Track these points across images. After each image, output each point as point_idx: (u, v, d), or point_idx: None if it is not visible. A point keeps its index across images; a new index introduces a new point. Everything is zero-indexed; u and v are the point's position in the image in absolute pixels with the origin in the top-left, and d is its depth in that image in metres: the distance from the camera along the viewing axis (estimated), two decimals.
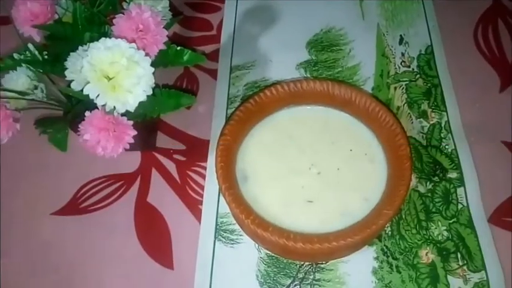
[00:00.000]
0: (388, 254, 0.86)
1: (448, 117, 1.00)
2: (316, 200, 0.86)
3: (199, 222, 0.91)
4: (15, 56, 0.85)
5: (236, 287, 0.86)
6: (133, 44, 0.76)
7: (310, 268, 0.86)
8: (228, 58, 1.11)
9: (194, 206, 0.93)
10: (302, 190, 0.87)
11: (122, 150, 0.78)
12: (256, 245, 0.88)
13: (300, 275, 0.86)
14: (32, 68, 0.84)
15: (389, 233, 0.88)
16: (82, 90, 0.75)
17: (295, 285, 0.85)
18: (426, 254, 0.86)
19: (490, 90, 1.05)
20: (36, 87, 0.85)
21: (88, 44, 0.76)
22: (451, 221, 0.89)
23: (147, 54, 0.77)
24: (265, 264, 0.86)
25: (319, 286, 0.85)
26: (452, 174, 0.94)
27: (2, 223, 0.92)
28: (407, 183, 0.81)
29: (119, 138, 0.77)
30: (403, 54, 1.10)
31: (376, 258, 0.86)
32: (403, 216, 0.90)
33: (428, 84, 1.05)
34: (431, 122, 1.00)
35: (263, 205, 0.84)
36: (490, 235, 0.88)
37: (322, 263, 0.86)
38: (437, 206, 0.91)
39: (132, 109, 0.77)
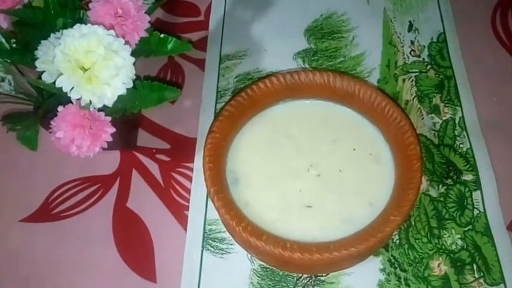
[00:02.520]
0: (396, 266, 0.87)
1: (462, 112, 1.01)
2: (315, 205, 0.86)
3: (185, 230, 0.91)
4: None
5: None
6: (112, 31, 0.77)
7: (308, 281, 0.86)
8: (217, 47, 1.11)
9: (179, 212, 0.93)
10: (300, 194, 0.87)
11: (98, 149, 0.79)
12: (249, 255, 0.88)
13: None
14: None
15: (397, 241, 0.89)
16: (54, 83, 0.75)
17: None
18: (438, 266, 0.87)
19: (509, 82, 1.05)
20: (3, 79, 0.86)
21: (61, 31, 0.76)
22: (466, 229, 0.90)
23: (126, 43, 0.78)
24: (258, 277, 0.87)
25: None
26: (468, 177, 0.94)
27: None
28: (417, 187, 0.81)
29: (95, 136, 0.77)
30: (412, 43, 1.10)
31: (383, 270, 0.87)
32: (413, 223, 0.90)
33: (441, 76, 1.06)
34: (444, 118, 1.00)
35: (256, 211, 0.85)
36: (509, 244, 0.88)
37: (322, 276, 0.87)
38: (451, 211, 0.91)
39: (110, 104, 0.77)
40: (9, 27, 0.85)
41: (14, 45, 0.85)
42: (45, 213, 0.94)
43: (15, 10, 0.83)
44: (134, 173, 0.97)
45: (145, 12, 0.82)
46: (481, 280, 0.85)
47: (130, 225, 0.92)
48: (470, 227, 0.89)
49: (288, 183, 0.88)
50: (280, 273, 0.87)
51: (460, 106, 1.01)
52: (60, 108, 0.77)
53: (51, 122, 0.77)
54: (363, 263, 0.86)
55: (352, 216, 0.84)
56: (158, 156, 0.99)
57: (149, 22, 0.82)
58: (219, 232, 0.91)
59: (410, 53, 1.09)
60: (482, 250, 0.88)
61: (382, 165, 0.89)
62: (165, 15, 1.16)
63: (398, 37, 1.11)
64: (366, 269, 0.86)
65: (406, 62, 1.07)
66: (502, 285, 0.85)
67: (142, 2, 0.82)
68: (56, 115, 0.77)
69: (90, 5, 0.80)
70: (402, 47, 1.10)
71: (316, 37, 1.12)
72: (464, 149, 0.97)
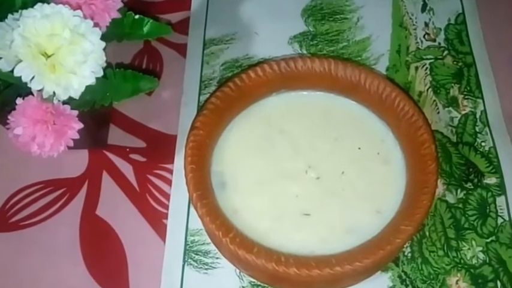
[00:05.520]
0: (408, 283, 0.87)
1: (484, 105, 1.01)
2: (314, 212, 0.86)
3: (164, 242, 0.91)
4: None
5: None
6: (79, 12, 0.77)
7: None
8: (200, 29, 1.12)
9: (157, 221, 0.93)
10: (296, 200, 0.87)
11: (63, 148, 0.79)
12: (237, 270, 0.88)
13: None
14: None
15: (409, 255, 0.89)
16: (12, 71, 0.75)
17: None
18: (456, 283, 0.87)
19: None
20: None
21: (20, 11, 0.76)
22: (488, 240, 0.90)
23: (96, 25, 0.78)
24: None
25: None
26: (490, 180, 0.95)
27: None
28: (431, 191, 0.82)
29: (60, 133, 0.77)
30: (426, 25, 1.11)
31: None
32: (427, 234, 0.90)
33: (460, 63, 1.06)
34: (463, 112, 1.01)
35: (246, 219, 0.85)
36: None
37: None
38: (471, 220, 0.91)
39: (76, 95, 0.77)
40: None
41: None
42: (2, 222, 0.94)
43: None
44: (105, 175, 0.97)
45: None
46: None
47: (100, 236, 0.92)
48: (493, 238, 0.90)
49: (282, 187, 0.88)
50: None
51: (482, 98, 1.02)
52: (19, 101, 0.76)
53: (9, 117, 0.77)
54: (369, 279, 0.86)
55: (357, 226, 0.84)
56: (132, 156, 0.99)
57: (122, 1, 0.82)
58: (203, 244, 0.91)
59: (424, 36, 1.09)
60: (507, 265, 0.88)
61: (391, 167, 0.89)
62: None
63: (411, 18, 1.11)
64: (373, 287, 0.87)
65: (419, 47, 1.08)
66: None
67: None
68: (14, 109, 0.76)
69: None
70: (415, 29, 1.10)
71: (315, 18, 1.12)
72: (487, 148, 0.97)
